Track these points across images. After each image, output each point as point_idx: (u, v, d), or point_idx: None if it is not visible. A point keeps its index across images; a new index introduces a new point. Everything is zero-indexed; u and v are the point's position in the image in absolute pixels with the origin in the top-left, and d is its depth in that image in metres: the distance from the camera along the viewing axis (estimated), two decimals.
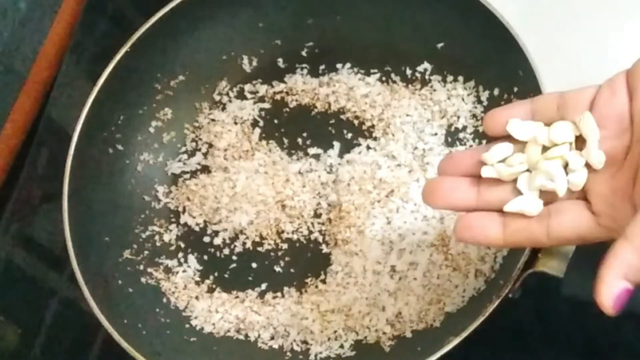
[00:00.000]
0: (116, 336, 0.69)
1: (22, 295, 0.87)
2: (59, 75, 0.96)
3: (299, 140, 0.81)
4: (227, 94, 0.84)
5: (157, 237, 0.80)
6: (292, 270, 0.77)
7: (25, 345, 0.85)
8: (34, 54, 1.01)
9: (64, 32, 1.01)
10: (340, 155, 0.79)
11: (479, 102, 0.78)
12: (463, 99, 0.78)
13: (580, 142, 0.52)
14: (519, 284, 0.65)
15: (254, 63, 0.85)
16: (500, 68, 0.74)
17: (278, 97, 0.83)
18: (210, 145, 0.83)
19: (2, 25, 0.96)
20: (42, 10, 1.02)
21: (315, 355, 0.73)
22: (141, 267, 0.78)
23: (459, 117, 0.78)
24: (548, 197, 0.53)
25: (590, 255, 0.64)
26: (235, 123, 0.83)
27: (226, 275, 0.78)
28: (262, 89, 0.84)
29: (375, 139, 0.79)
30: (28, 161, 0.93)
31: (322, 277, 0.76)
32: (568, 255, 0.65)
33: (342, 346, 0.73)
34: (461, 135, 0.77)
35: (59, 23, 1.02)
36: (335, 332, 0.73)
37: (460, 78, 0.79)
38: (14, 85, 0.97)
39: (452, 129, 0.78)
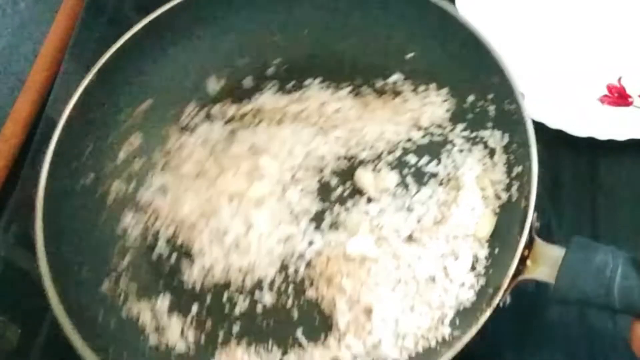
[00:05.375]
0: None
1: (22, 295, 0.86)
2: (59, 75, 0.96)
3: None
4: (195, 117, 0.82)
5: (133, 268, 0.78)
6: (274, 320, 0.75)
7: (25, 345, 0.83)
8: (34, 54, 1.01)
9: (64, 32, 1.02)
10: None
11: (454, 108, 0.77)
12: (437, 106, 0.77)
13: None
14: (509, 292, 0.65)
15: (221, 84, 0.83)
16: (474, 75, 0.74)
17: (248, 116, 0.81)
18: (180, 169, 0.80)
19: (2, 25, 0.97)
20: (42, 10, 1.03)
21: None
22: (120, 299, 0.76)
23: (433, 124, 0.77)
24: None
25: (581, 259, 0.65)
26: (205, 145, 0.81)
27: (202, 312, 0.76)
28: (231, 110, 0.82)
29: None
30: (28, 161, 0.92)
31: None
32: (558, 260, 0.64)
33: None
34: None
35: (59, 23, 1.03)
36: None
37: (433, 86, 0.78)
38: (14, 85, 0.97)
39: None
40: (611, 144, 0.81)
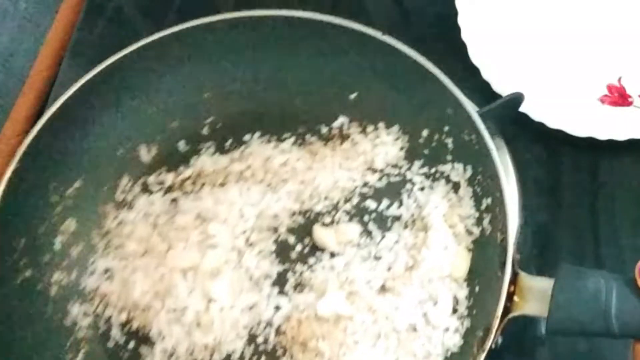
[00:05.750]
0: None
1: None
2: (59, 75, 0.94)
3: None
4: (131, 191, 0.77)
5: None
6: None
7: None
8: (34, 54, 1.01)
9: (64, 32, 1.01)
10: None
11: (408, 146, 0.74)
12: (390, 146, 0.74)
13: None
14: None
15: (153, 151, 0.78)
16: (425, 108, 0.71)
17: (188, 182, 0.77)
18: (124, 249, 0.75)
19: (2, 25, 0.96)
20: (42, 10, 1.03)
21: None
22: None
23: (389, 165, 0.74)
24: None
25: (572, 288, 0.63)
26: (146, 220, 0.76)
27: None
28: (169, 178, 0.77)
29: None
30: None
31: None
32: (546, 292, 0.61)
33: None
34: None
35: (59, 23, 1.02)
36: None
37: (382, 125, 0.74)
38: (14, 85, 0.96)
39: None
40: (611, 144, 0.80)
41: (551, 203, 0.81)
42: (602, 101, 0.83)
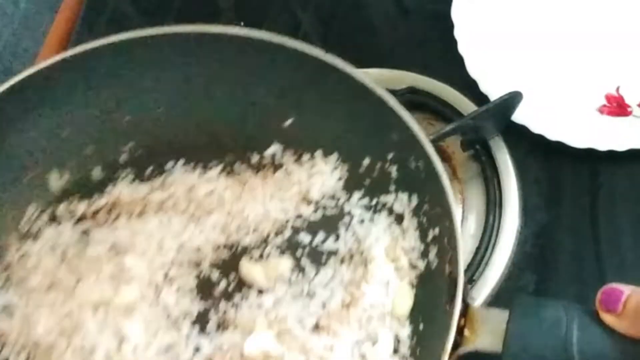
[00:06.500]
0: None
1: None
2: None
3: None
4: (38, 221, 0.70)
5: None
6: None
7: None
8: (34, 54, 1.02)
9: (64, 32, 1.03)
10: None
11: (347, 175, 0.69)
12: (327, 176, 0.68)
13: None
14: None
15: (65, 178, 0.71)
16: (367, 134, 0.66)
17: (101, 212, 0.70)
18: (26, 283, 0.67)
19: (2, 25, 0.97)
20: (42, 10, 1.04)
21: None
22: None
23: (325, 196, 0.69)
24: None
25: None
26: (54, 251, 0.68)
27: None
28: (81, 207, 0.70)
29: None
30: None
31: None
32: (501, 324, 0.57)
33: None
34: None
35: (59, 23, 1.04)
36: None
37: (319, 153, 0.69)
38: None
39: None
40: (612, 153, 0.81)
41: (551, 203, 0.81)
42: (601, 111, 0.84)
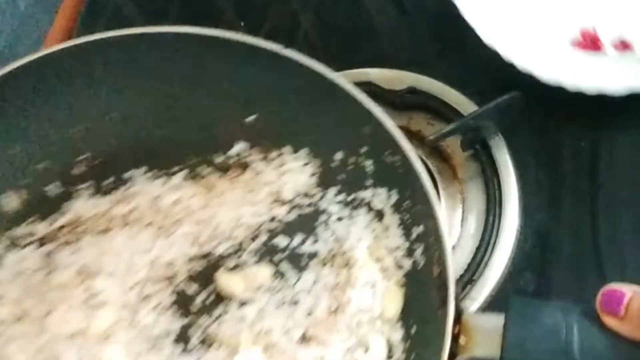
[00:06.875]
0: None
1: None
2: None
3: None
4: None
5: None
6: None
7: None
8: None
9: (64, 32, 1.02)
10: None
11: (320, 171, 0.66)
12: (298, 173, 0.65)
13: None
14: None
15: (20, 198, 0.66)
16: (337, 128, 0.62)
17: (64, 232, 0.66)
18: None
19: (2, 24, 0.96)
20: (42, 10, 1.02)
21: None
22: None
23: (299, 194, 0.65)
24: None
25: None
26: (18, 279, 0.65)
27: None
28: (41, 228, 0.66)
29: None
30: None
31: None
32: (497, 330, 0.54)
33: None
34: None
35: (58, 23, 1.02)
36: None
37: (287, 149, 0.65)
38: None
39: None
40: (612, 140, 0.81)
41: (551, 203, 0.80)
42: (574, 46, 0.83)
